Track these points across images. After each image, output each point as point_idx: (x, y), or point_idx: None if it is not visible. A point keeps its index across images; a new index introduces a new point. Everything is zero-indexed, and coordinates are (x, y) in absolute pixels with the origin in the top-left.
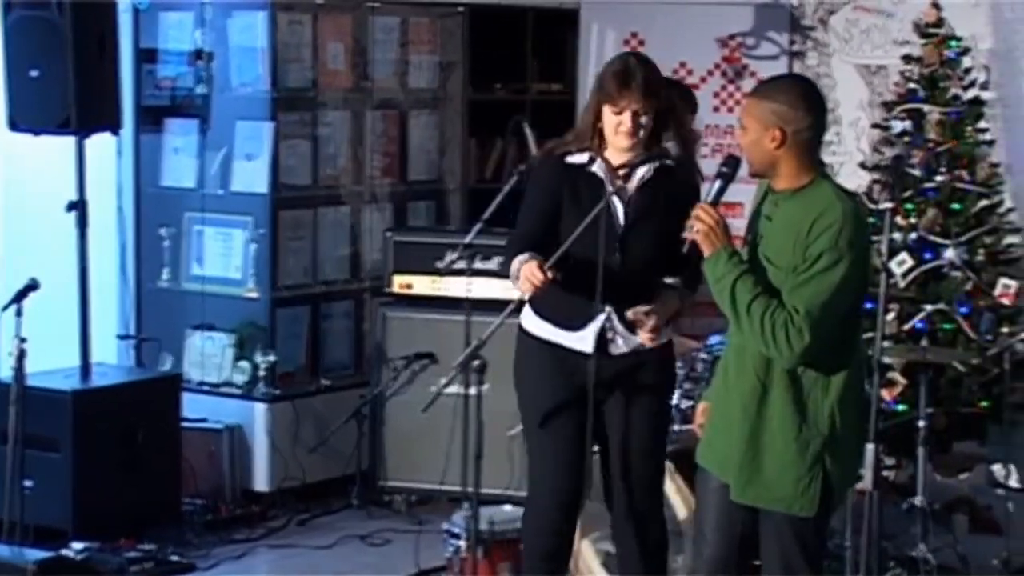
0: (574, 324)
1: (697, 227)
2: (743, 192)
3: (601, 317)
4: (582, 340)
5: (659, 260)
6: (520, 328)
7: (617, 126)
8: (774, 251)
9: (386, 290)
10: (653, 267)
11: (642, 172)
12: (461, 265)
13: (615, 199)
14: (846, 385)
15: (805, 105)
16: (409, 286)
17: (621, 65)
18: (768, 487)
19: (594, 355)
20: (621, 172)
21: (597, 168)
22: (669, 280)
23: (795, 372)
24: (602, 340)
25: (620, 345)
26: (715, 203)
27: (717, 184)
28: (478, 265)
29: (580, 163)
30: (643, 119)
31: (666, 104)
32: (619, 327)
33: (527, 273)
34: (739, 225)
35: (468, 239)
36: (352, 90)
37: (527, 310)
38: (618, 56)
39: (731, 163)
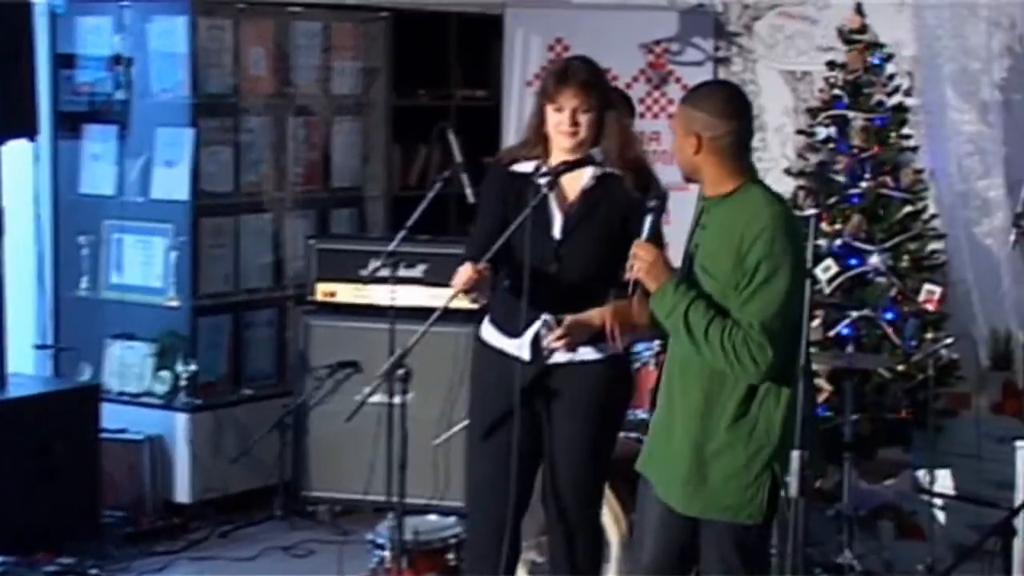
0: (514, 330)
1: (637, 266)
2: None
3: (537, 324)
4: (521, 347)
5: (601, 269)
6: (477, 336)
7: (558, 125)
8: (709, 260)
9: (309, 298)
10: (595, 276)
11: (584, 181)
12: (385, 273)
13: (555, 208)
14: (795, 393)
15: (724, 111)
16: (332, 294)
17: (562, 65)
18: (715, 497)
19: (519, 363)
20: (552, 171)
21: (541, 177)
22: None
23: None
24: (539, 348)
25: (556, 353)
26: (651, 239)
27: (648, 220)
28: (402, 273)
29: (526, 172)
30: (582, 116)
31: (607, 103)
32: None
33: (460, 271)
34: (666, 231)
35: (392, 246)
36: (274, 96)
37: (486, 317)
38: (562, 58)
39: (658, 197)
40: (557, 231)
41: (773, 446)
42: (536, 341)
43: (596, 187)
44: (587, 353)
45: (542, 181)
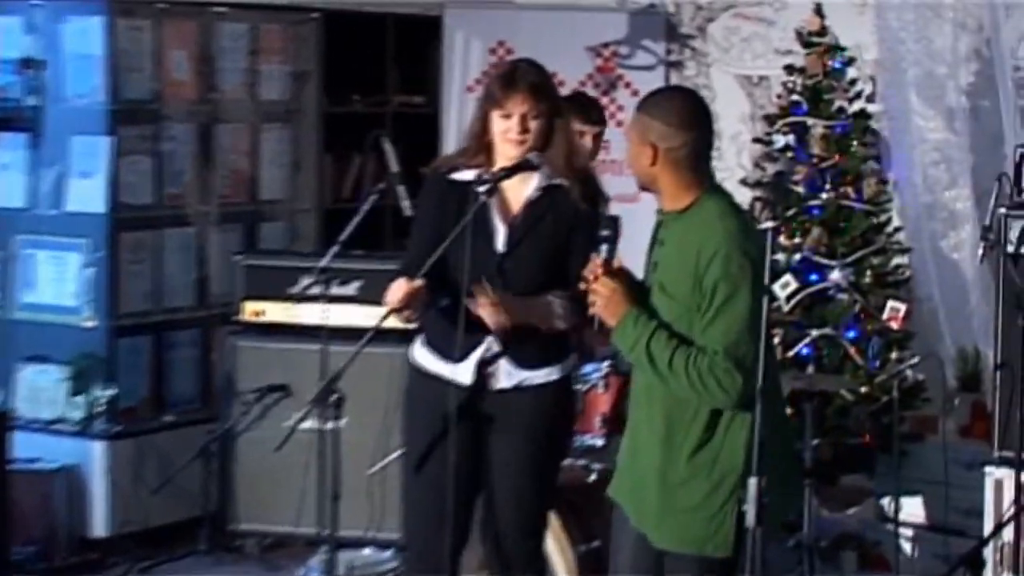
0: (454, 354)
1: (598, 302)
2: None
3: (481, 347)
4: (461, 372)
5: (546, 285)
6: (409, 360)
7: (505, 132)
8: (669, 280)
9: (236, 318)
10: (540, 292)
11: (529, 191)
12: (317, 291)
13: (497, 219)
14: (764, 416)
15: (681, 121)
16: (261, 313)
17: (508, 68)
18: (681, 529)
19: (454, 388)
20: (491, 178)
21: (483, 186)
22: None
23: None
24: (482, 373)
25: (501, 379)
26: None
27: (603, 250)
28: (335, 291)
29: (467, 180)
30: (532, 123)
31: (556, 109)
32: (503, 359)
33: (393, 287)
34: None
35: (324, 263)
36: (197, 102)
37: (417, 340)
38: (509, 61)
39: (610, 225)
40: (500, 244)
41: (739, 474)
42: (481, 364)
43: (542, 198)
44: (530, 378)
45: (481, 189)
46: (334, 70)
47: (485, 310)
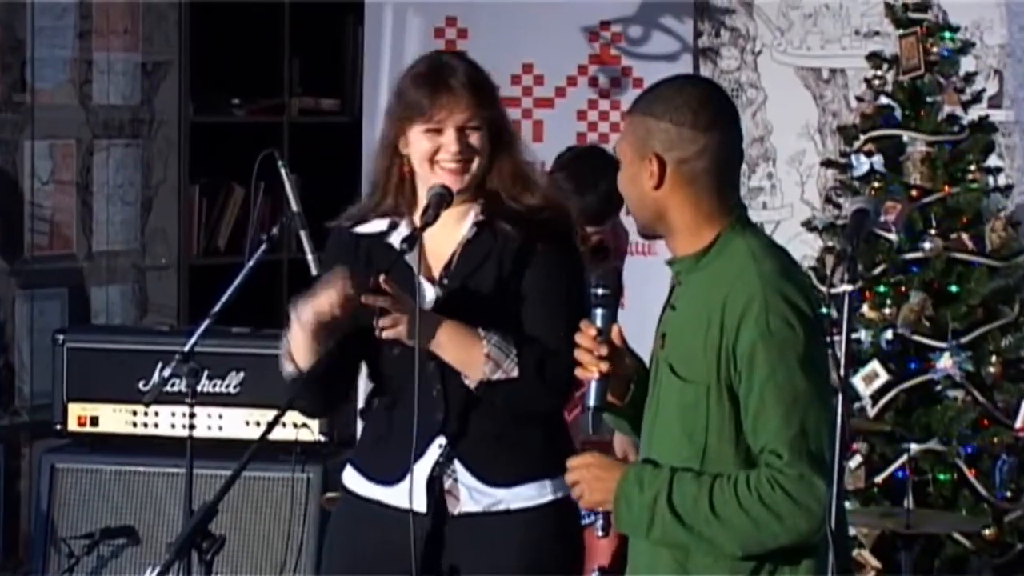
0: (392, 473)
1: (580, 488)
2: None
3: (432, 453)
4: (408, 494)
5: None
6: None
7: (434, 154)
8: (680, 355)
9: (57, 428)
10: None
11: (464, 231)
12: (178, 387)
13: (423, 280)
14: (823, 552)
15: (696, 119)
16: (93, 422)
17: (429, 63)
18: None
19: (397, 514)
20: (412, 234)
21: (397, 236)
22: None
23: None
24: (437, 492)
25: (466, 499)
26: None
27: (598, 316)
28: (206, 387)
29: (376, 232)
30: (474, 137)
31: (501, 118)
32: (461, 471)
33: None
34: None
35: (189, 345)
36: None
37: (348, 464)
38: (422, 56)
39: (606, 282)
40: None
41: None
42: (433, 482)
43: (481, 235)
44: (506, 499)
45: (395, 241)
46: (205, 63)
47: (386, 319)
